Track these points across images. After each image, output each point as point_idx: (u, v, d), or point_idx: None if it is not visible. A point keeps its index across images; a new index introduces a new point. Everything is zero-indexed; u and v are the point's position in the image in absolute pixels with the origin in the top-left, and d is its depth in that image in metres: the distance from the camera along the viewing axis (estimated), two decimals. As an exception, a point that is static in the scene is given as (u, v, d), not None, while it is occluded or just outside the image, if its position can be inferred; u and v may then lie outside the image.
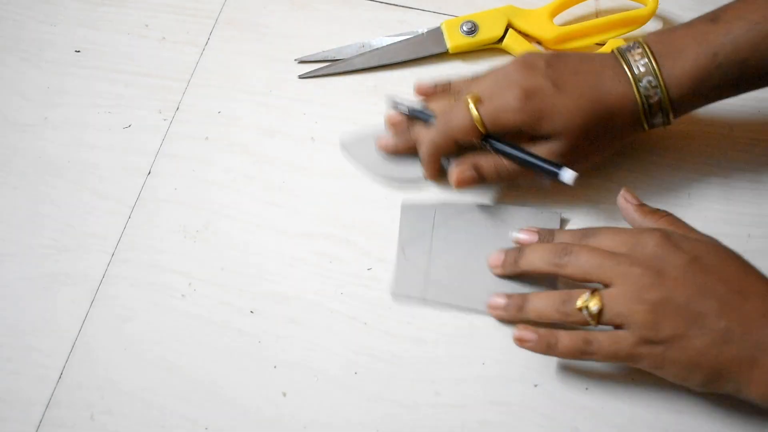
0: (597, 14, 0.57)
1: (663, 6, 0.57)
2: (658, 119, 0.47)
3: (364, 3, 0.60)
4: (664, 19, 0.57)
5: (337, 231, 0.52)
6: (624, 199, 0.47)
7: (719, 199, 0.51)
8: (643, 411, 0.45)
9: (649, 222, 0.45)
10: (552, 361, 0.47)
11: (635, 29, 0.55)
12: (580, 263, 0.43)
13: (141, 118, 0.57)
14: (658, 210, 0.46)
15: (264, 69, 0.58)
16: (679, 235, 0.43)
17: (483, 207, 0.50)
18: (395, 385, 0.47)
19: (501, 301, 0.46)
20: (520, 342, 0.44)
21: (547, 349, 0.43)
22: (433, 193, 0.52)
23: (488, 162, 0.48)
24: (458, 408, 0.46)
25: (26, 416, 0.48)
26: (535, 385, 0.46)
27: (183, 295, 0.51)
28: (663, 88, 0.45)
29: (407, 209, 0.51)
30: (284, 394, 0.47)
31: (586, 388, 0.46)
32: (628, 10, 0.55)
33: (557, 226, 0.49)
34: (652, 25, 0.57)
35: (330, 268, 0.51)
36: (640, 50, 0.46)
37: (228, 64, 0.58)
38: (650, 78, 0.45)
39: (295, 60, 0.57)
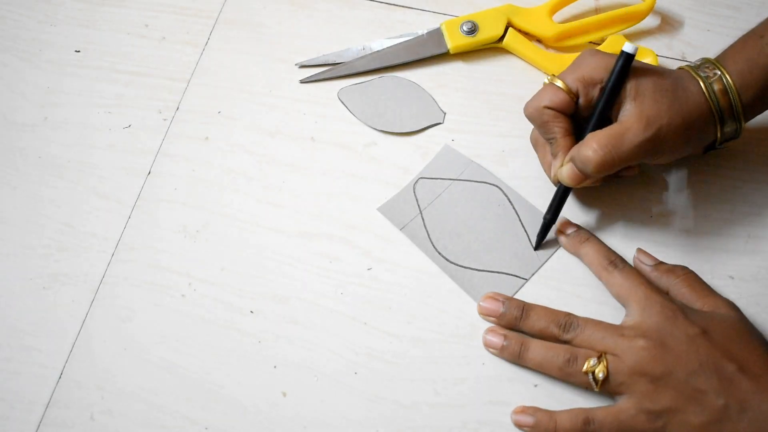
0: (596, 11, 0.57)
1: (660, 3, 0.57)
2: (729, 127, 0.47)
3: (364, 3, 0.60)
4: (662, 15, 0.57)
5: (337, 231, 0.52)
6: (639, 261, 0.47)
7: (719, 199, 0.51)
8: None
9: (666, 281, 0.46)
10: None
11: (634, 25, 0.55)
12: (585, 336, 0.44)
13: (141, 118, 0.57)
14: (676, 268, 0.46)
15: (264, 69, 0.58)
16: (689, 309, 0.43)
17: (505, 195, 0.51)
18: (395, 385, 0.47)
19: (497, 341, 0.46)
20: (520, 427, 0.44)
21: None
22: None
23: None
24: (458, 408, 0.46)
25: (26, 416, 0.48)
26: (535, 385, 0.46)
27: (183, 295, 0.51)
28: (734, 91, 0.45)
29: (449, 151, 0.52)
30: (284, 394, 0.47)
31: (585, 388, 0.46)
32: (626, 6, 0.55)
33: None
34: (651, 21, 0.57)
35: (330, 268, 0.51)
36: (707, 64, 0.46)
37: (228, 64, 0.58)
38: (721, 85, 0.45)
39: (296, 65, 0.57)
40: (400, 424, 0.46)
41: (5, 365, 0.49)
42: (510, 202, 0.50)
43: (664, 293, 0.45)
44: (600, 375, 0.42)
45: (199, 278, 0.51)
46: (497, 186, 0.51)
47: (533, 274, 0.49)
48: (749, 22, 0.56)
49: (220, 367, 0.48)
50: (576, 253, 0.48)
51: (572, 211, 0.51)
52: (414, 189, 0.50)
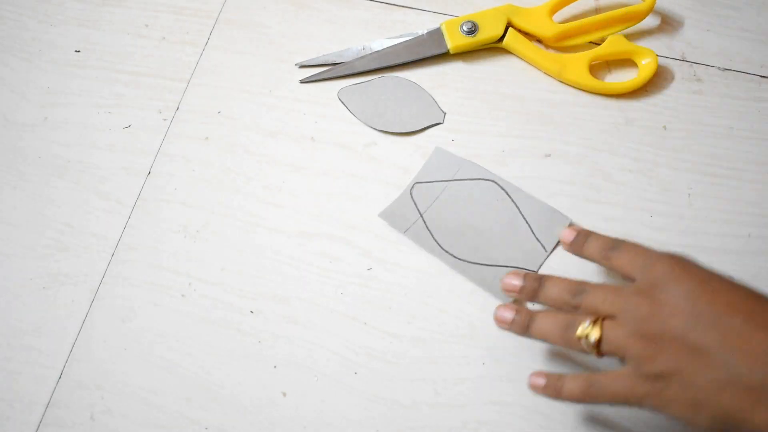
0: (597, 11, 0.57)
1: (660, 3, 0.57)
2: None
3: (364, 3, 0.60)
4: (662, 15, 0.57)
5: (337, 231, 0.52)
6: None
7: (719, 199, 0.51)
8: (640, 410, 0.45)
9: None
10: (552, 361, 0.47)
11: (634, 25, 0.55)
12: (590, 300, 0.42)
13: (141, 118, 0.57)
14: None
15: (264, 69, 0.58)
16: (693, 261, 0.40)
17: (503, 189, 0.51)
18: (395, 385, 0.47)
19: (508, 315, 0.44)
20: (533, 388, 0.43)
21: (555, 393, 0.42)
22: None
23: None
24: (458, 408, 0.46)
25: (26, 416, 0.48)
26: (535, 385, 0.46)
27: (183, 295, 0.51)
28: None
29: (440, 153, 0.52)
30: (284, 394, 0.47)
31: (586, 388, 0.46)
32: (626, 6, 0.55)
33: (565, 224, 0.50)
34: (651, 21, 0.57)
35: (330, 268, 0.51)
36: None
37: (228, 64, 0.58)
38: None
39: (296, 65, 0.57)
40: (400, 424, 0.46)
41: (5, 365, 0.49)
42: (508, 195, 0.50)
43: (663, 252, 0.42)
44: (592, 338, 0.39)
45: (199, 278, 0.51)
46: (493, 181, 0.51)
47: (540, 266, 0.49)
48: (749, 21, 0.56)
49: (220, 367, 0.48)
50: (581, 257, 0.45)
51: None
52: (411, 194, 0.50)
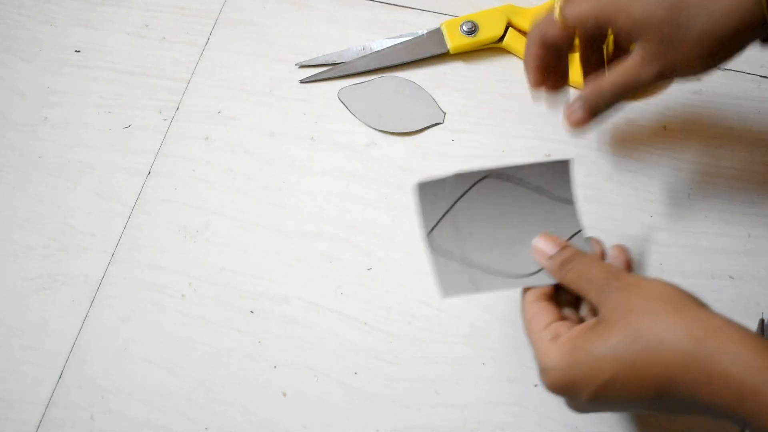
0: None
1: None
2: None
3: (364, 3, 0.60)
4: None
5: (337, 231, 0.52)
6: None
7: (719, 199, 0.51)
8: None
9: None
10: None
11: None
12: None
13: (141, 118, 0.57)
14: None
15: (264, 69, 0.58)
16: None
17: (492, 170, 0.44)
18: (395, 385, 0.47)
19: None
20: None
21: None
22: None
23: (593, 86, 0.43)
24: (458, 408, 0.46)
25: (26, 416, 0.48)
26: (535, 385, 0.46)
27: (183, 295, 0.51)
28: None
29: (423, 186, 0.43)
30: (284, 394, 0.47)
31: (586, 388, 0.46)
32: None
33: (570, 173, 0.44)
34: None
35: (330, 268, 0.51)
36: None
37: (228, 64, 0.58)
38: None
39: (296, 65, 0.57)
40: (400, 424, 0.46)
41: (5, 365, 0.49)
42: (510, 179, 0.44)
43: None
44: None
45: (199, 278, 0.51)
46: (487, 176, 0.44)
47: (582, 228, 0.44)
48: (749, 22, 0.56)
49: (220, 368, 0.48)
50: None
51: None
52: (437, 251, 0.43)
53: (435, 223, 0.43)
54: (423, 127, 0.55)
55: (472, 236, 0.43)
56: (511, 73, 0.56)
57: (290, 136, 0.55)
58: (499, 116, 0.55)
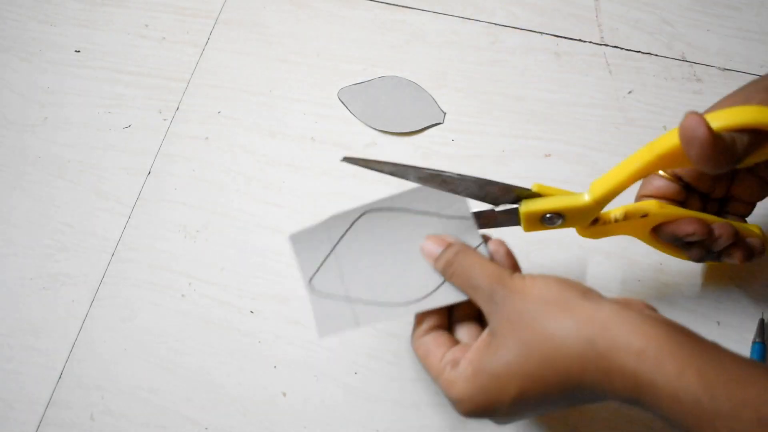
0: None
1: (660, 2, 0.57)
2: None
3: (364, 3, 0.60)
4: (662, 15, 0.57)
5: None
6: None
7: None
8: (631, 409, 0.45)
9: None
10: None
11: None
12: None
13: (141, 118, 0.57)
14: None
15: (264, 69, 0.58)
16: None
17: (370, 205, 0.42)
18: (395, 385, 0.47)
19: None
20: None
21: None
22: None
23: None
24: (458, 408, 0.46)
25: (26, 416, 0.48)
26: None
27: (183, 295, 0.51)
28: None
29: (296, 238, 0.42)
30: (284, 394, 0.47)
31: (586, 388, 0.46)
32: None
33: (468, 212, 0.41)
34: (650, 20, 0.57)
35: (330, 268, 0.51)
36: None
37: (228, 64, 0.58)
38: None
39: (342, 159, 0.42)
40: (400, 424, 0.46)
41: (5, 365, 0.49)
42: (391, 210, 0.42)
43: None
44: None
45: (199, 278, 0.51)
46: (365, 212, 0.42)
47: (471, 210, 0.41)
48: (749, 21, 0.56)
49: (220, 367, 0.48)
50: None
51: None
52: (318, 293, 0.42)
53: (315, 271, 0.43)
54: (423, 127, 0.55)
55: (357, 275, 0.42)
56: (511, 73, 0.56)
57: (290, 136, 0.55)
58: (499, 116, 0.55)
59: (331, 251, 0.42)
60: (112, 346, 0.49)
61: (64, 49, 0.60)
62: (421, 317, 0.40)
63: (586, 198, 0.39)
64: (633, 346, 0.31)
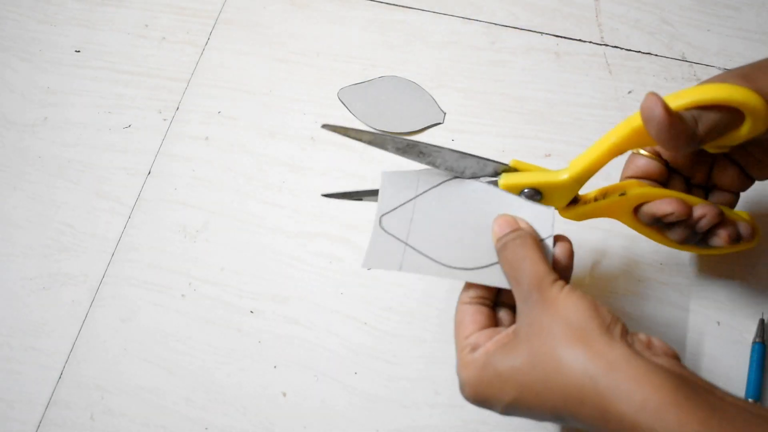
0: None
1: (660, 3, 0.57)
2: None
3: (364, 3, 0.60)
4: (662, 15, 0.57)
5: (337, 231, 0.52)
6: None
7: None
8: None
9: None
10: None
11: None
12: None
13: (141, 118, 0.57)
14: None
15: (264, 69, 0.58)
16: None
17: (475, 184, 0.43)
18: (395, 385, 0.47)
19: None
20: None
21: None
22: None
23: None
24: (458, 408, 0.46)
25: (26, 416, 0.48)
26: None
27: (183, 295, 0.51)
28: None
29: (388, 176, 0.43)
30: (284, 394, 0.47)
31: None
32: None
33: (552, 222, 0.42)
34: (651, 21, 0.57)
35: (330, 268, 0.51)
36: None
37: (228, 64, 0.58)
38: None
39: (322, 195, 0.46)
40: (400, 424, 0.46)
41: (5, 365, 0.49)
42: (480, 183, 0.43)
43: None
44: None
45: (199, 278, 0.51)
46: (457, 177, 0.43)
47: (553, 226, 0.41)
48: (749, 22, 0.56)
49: (220, 367, 0.48)
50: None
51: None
52: (383, 229, 0.43)
53: (390, 209, 0.43)
54: (423, 127, 0.55)
55: (424, 227, 0.43)
56: (511, 73, 0.56)
57: (290, 136, 0.55)
58: (499, 116, 0.55)
59: (413, 199, 0.43)
60: (112, 346, 0.49)
61: (64, 49, 0.60)
62: (471, 284, 0.40)
63: (565, 175, 0.39)
64: (635, 395, 0.31)
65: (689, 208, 0.40)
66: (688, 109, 0.35)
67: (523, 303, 0.36)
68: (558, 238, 0.40)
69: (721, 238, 0.41)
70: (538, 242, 0.39)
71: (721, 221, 0.41)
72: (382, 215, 0.43)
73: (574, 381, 0.32)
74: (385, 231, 0.43)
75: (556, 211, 0.41)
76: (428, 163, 0.41)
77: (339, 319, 0.49)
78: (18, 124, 0.58)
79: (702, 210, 0.40)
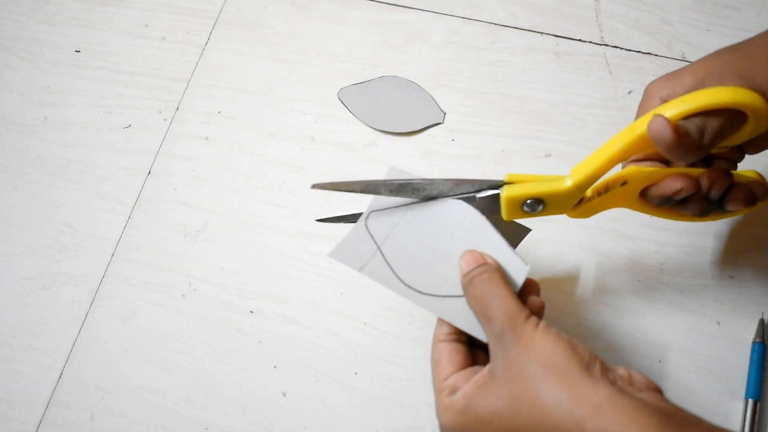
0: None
1: (660, 2, 0.57)
2: None
3: (364, 3, 0.60)
4: (662, 15, 0.57)
5: (337, 231, 0.52)
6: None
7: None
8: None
9: None
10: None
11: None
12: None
13: (141, 118, 0.57)
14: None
15: (264, 69, 0.58)
16: None
17: (469, 212, 0.41)
18: (395, 385, 0.47)
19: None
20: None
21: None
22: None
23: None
24: (458, 408, 0.46)
25: (26, 416, 0.48)
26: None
27: (183, 295, 0.51)
28: None
29: (396, 173, 0.42)
30: (284, 394, 0.47)
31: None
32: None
33: (522, 277, 0.39)
34: (650, 21, 0.57)
35: (330, 268, 0.51)
36: None
37: (228, 64, 0.58)
38: None
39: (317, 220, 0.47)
40: (400, 424, 0.46)
41: (5, 365, 0.49)
42: (477, 211, 0.41)
43: None
44: None
45: (199, 278, 0.51)
46: (458, 198, 0.41)
47: (522, 282, 0.39)
48: (749, 22, 0.56)
49: (220, 367, 0.48)
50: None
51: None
52: (366, 225, 0.42)
53: (382, 208, 0.42)
54: (423, 127, 0.55)
55: (400, 239, 0.41)
56: (510, 73, 0.56)
57: (290, 136, 0.55)
58: (499, 116, 0.55)
59: (406, 206, 0.42)
60: (112, 346, 0.49)
61: (64, 49, 0.60)
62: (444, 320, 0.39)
63: (568, 183, 0.39)
64: None
65: (696, 180, 0.39)
66: (693, 114, 0.35)
67: (497, 342, 0.35)
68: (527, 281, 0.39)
69: (737, 200, 0.40)
70: (506, 278, 0.37)
71: (732, 184, 0.40)
72: (372, 211, 0.42)
73: (561, 425, 0.32)
74: (366, 228, 0.42)
75: (528, 268, 0.39)
76: (424, 198, 0.40)
77: (339, 319, 0.49)
78: (18, 124, 0.58)
79: (709, 177, 0.39)
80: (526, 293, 0.39)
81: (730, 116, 0.36)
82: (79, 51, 0.60)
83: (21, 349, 0.50)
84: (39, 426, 0.48)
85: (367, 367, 0.48)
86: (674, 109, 0.36)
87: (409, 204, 0.42)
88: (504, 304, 0.35)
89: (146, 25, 0.61)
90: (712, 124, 0.35)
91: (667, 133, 0.34)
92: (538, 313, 0.37)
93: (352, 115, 0.56)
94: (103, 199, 0.54)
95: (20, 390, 0.49)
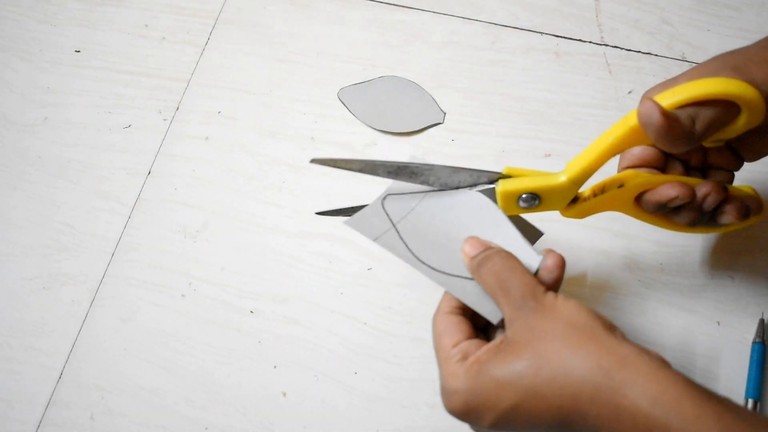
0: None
1: (660, 2, 0.57)
2: None
3: (364, 3, 0.60)
4: (662, 15, 0.57)
5: (337, 231, 0.52)
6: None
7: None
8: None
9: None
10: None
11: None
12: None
13: (141, 118, 0.57)
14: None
15: (264, 69, 0.58)
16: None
17: (487, 204, 0.42)
18: (395, 385, 0.47)
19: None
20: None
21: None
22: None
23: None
24: (458, 408, 0.46)
25: (26, 416, 0.48)
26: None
27: (183, 295, 0.51)
28: None
29: (415, 161, 0.43)
30: (284, 394, 0.47)
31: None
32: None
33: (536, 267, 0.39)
34: (651, 21, 0.57)
35: (330, 268, 0.51)
36: None
37: (228, 64, 0.58)
38: None
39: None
40: (400, 424, 0.46)
41: (6, 365, 0.49)
42: (495, 203, 0.42)
43: None
44: None
45: (199, 278, 0.51)
46: (477, 190, 0.42)
47: (536, 272, 0.40)
48: (749, 22, 0.56)
49: (220, 367, 0.48)
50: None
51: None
52: (383, 206, 0.43)
53: (398, 193, 0.43)
54: (423, 127, 0.55)
55: (418, 220, 0.42)
56: (510, 73, 0.56)
57: (290, 136, 0.55)
58: (499, 116, 0.55)
59: (425, 192, 0.42)
60: (112, 346, 0.49)
61: (64, 49, 0.60)
62: (452, 296, 0.39)
63: (562, 178, 0.39)
64: (650, 389, 0.31)
65: (692, 190, 0.39)
66: (685, 105, 0.35)
67: (517, 311, 0.35)
68: (547, 252, 0.39)
69: (729, 214, 0.40)
70: (516, 258, 0.38)
71: (727, 197, 0.40)
72: (390, 194, 0.43)
73: (587, 377, 0.32)
74: (383, 207, 0.42)
75: (541, 259, 0.39)
76: (422, 182, 0.41)
77: (339, 319, 0.49)
78: (18, 124, 0.58)
79: (706, 188, 0.39)
80: (551, 267, 0.39)
81: (723, 107, 0.36)
82: (79, 51, 0.60)
83: (21, 349, 0.50)
84: (39, 426, 0.48)
85: (367, 367, 0.48)
86: (667, 99, 0.36)
87: (427, 192, 0.42)
88: (523, 276, 0.36)
89: (146, 25, 0.61)
90: (704, 113, 0.35)
91: (656, 116, 0.34)
92: (555, 285, 0.38)
93: (352, 115, 0.56)
94: (103, 199, 0.54)
95: (20, 390, 0.49)
